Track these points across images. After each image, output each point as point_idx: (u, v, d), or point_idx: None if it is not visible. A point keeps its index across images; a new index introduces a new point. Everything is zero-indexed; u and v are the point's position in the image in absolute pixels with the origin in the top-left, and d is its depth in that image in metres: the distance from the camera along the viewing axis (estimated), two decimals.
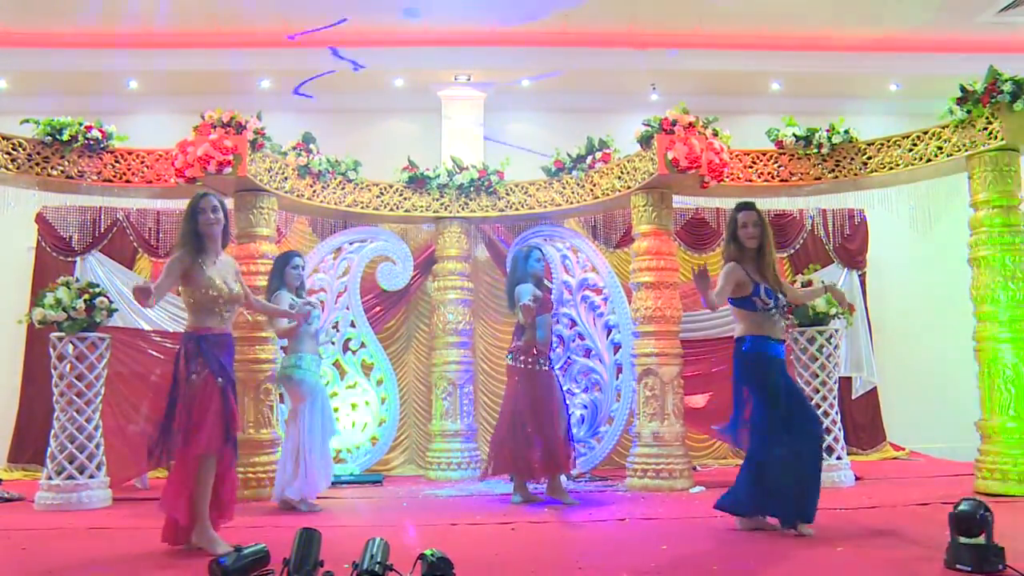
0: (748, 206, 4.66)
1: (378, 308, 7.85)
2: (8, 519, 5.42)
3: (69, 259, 7.89)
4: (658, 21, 7.84)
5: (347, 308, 7.59)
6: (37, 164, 6.44)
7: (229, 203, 6.22)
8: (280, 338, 6.16)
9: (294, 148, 7.03)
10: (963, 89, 6.06)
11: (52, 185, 6.66)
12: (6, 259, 8.14)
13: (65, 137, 6.45)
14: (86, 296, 5.95)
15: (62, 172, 6.51)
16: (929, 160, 6.41)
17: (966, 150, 6.15)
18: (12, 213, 7.01)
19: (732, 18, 7.75)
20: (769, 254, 4.63)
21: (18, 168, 6.38)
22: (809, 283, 6.32)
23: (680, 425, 6.67)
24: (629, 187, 6.92)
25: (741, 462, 8.07)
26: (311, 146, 7.12)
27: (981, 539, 3.49)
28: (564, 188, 7.48)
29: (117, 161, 6.68)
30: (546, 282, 6.46)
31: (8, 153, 6.36)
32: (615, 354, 7.41)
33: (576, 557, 4.02)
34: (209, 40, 7.85)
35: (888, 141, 6.68)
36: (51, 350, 5.96)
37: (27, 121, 6.49)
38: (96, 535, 4.79)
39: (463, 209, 7.66)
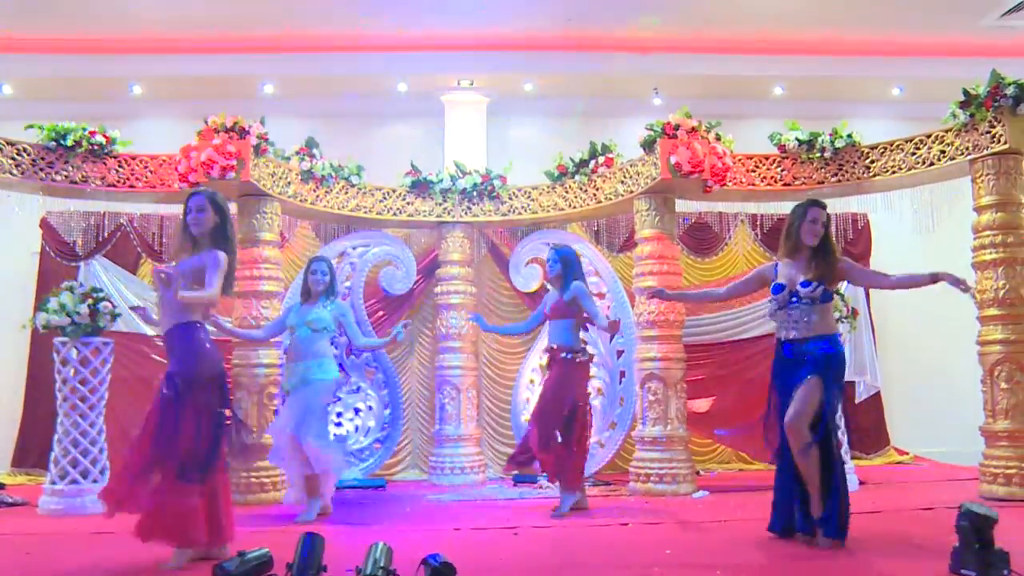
0: (820, 204, 4.49)
1: (381, 312, 7.85)
2: (12, 524, 5.43)
3: (73, 264, 7.89)
4: (661, 25, 7.84)
5: None
6: (41, 169, 6.46)
7: (232, 207, 6.26)
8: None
9: (297, 153, 7.04)
10: (966, 93, 6.06)
11: (56, 190, 6.68)
12: (10, 264, 8.12)
13: (69, 142, 6.48)
14: (90, 301, 5.96)
15: (66, 177, 6.53)
16: (932, 164, 6.41)
17: (969, 154, 6.15)
18: (16, 218, 6.99)
19: (734, 22, 7.75)
20: (831, 254, 4.44)
21: (23, 173, 6.40)
22: None
23: (684, 430, 6.66)
24: (632, 191, 6.92)
25: (744, 467, 8.13)
26: (314, 151, 7.12)
27: (986, 544, 3.46)
28: (567, 192, 7.48)
29: (121, 166, 6.70)
30: (590, 280, 6.42)
31: (13, 158, 6.38)
32: (618, 359, 7.41)
33: (579, 562, 4.01)
34: (212, 45, 7.86)
35: (891, 145, 6.69)
36: (55, 355, 5.98)
37: (31, 126, 6.53)
38: (100, 540, 4.78)
39: (466, 213, 7.66)
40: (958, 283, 4.26)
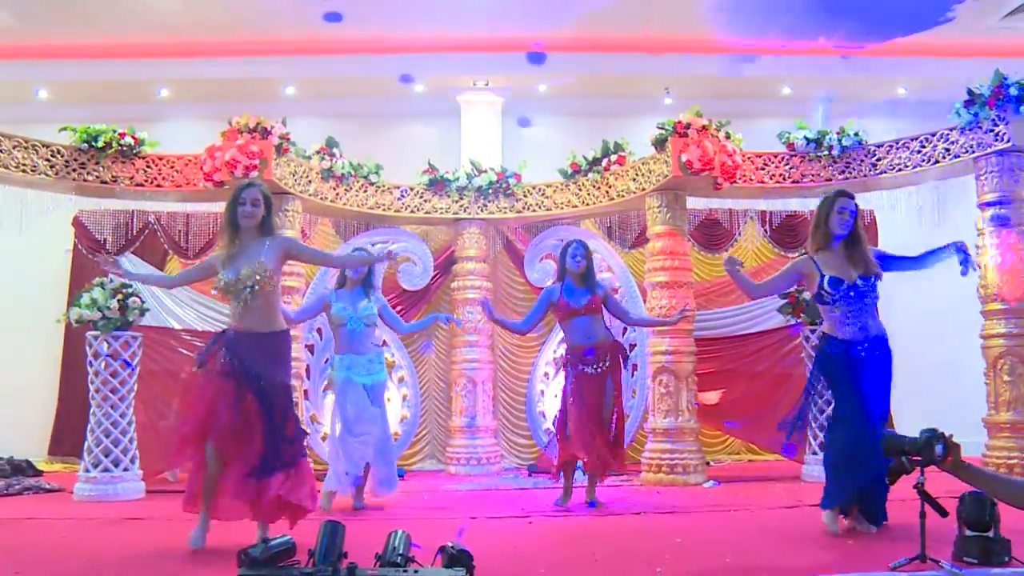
0: (848, 194, 4.45)
1: (399, 307, 7.98)
2: (49, 509, 5.66)
3: None
4: (672, 26, 7.93)
5: None
6: (74, 170, 6.68)
7: None
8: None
9: (318, 152, 7.21)
10: (970, 92, 6.17)
11: (88, 190, 6.89)
12: (46, 261, 8.35)
13: (100, 144, 6.68)
14: (119, 296, 6.18)
15: (97, 177, 6.74)
16: (937, 162, 6.52)
17: (973, 152, 6.25)
18: (51, 217, 7.20)
19: (742, 23, 7.81)
20: (862, 244, 4.41)
21: (57, 174, 6.62)
22: None
23: (694, 421, 6.80)
24: (644, 189, 7.05)
25: (754, 457, 8.20)
26: (334, 150, 7.29)
27: (988, 532, 3.55)
28: (580, 190, 7.61)
29: (149, 166, 6.89)
30: (603, 276, 6.15)
31: (48, 160, 6.60)
32: (630, 352, 7.53)
33: (592, 550, 4.09)
34: (236, 49, 8.04)
35: (897, 143, 6.79)
36: (87, 348, 6.20)
37: (65, 129, 6.74)
38: (131, 525, 4.98)
39: (482, 211, 7.80)
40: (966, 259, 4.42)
